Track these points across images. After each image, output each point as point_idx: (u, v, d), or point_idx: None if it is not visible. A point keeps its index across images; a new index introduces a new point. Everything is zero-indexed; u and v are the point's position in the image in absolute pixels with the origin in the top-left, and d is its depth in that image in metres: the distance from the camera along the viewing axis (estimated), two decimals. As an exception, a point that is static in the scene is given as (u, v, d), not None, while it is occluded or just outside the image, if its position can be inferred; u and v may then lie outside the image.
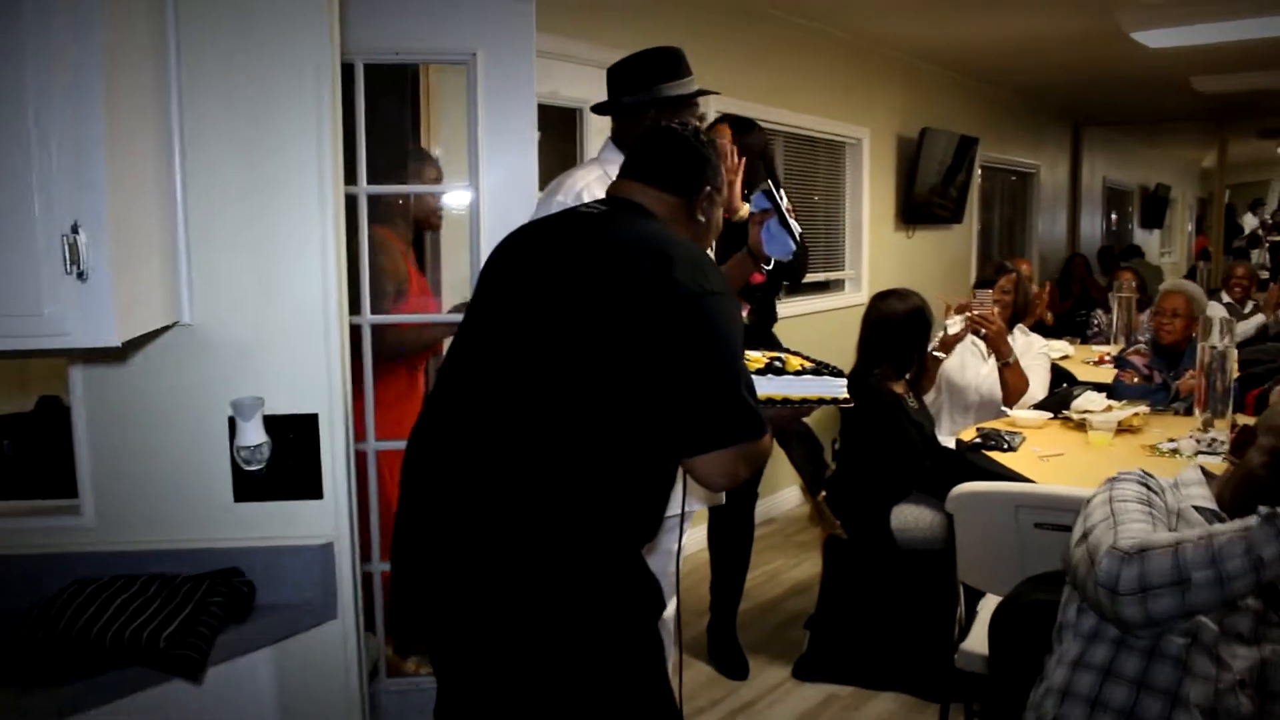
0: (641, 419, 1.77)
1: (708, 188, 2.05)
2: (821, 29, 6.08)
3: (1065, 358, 5.67)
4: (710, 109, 5.07)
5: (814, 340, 5.73)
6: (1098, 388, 4.26)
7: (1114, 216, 13.60)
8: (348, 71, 2.87)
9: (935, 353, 4.05)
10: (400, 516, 1.88)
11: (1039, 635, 2.00)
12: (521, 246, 2.00)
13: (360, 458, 2.88)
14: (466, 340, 1.94)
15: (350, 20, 2.84)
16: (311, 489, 1.94)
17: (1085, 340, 6.65)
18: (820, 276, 6.57)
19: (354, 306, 2.86)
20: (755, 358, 2.02)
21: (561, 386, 1.77)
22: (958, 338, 4.08)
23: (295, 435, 1.92)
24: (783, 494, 5.80)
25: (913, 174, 7.20)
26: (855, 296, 6.53)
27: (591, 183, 2.68)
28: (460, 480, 1.79)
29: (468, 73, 2.93)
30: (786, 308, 5.85)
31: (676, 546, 2.69)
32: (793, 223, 2.71)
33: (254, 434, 1.85)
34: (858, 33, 6.34)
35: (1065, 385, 4.44)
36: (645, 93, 2.71)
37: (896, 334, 3.79)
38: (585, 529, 1.76)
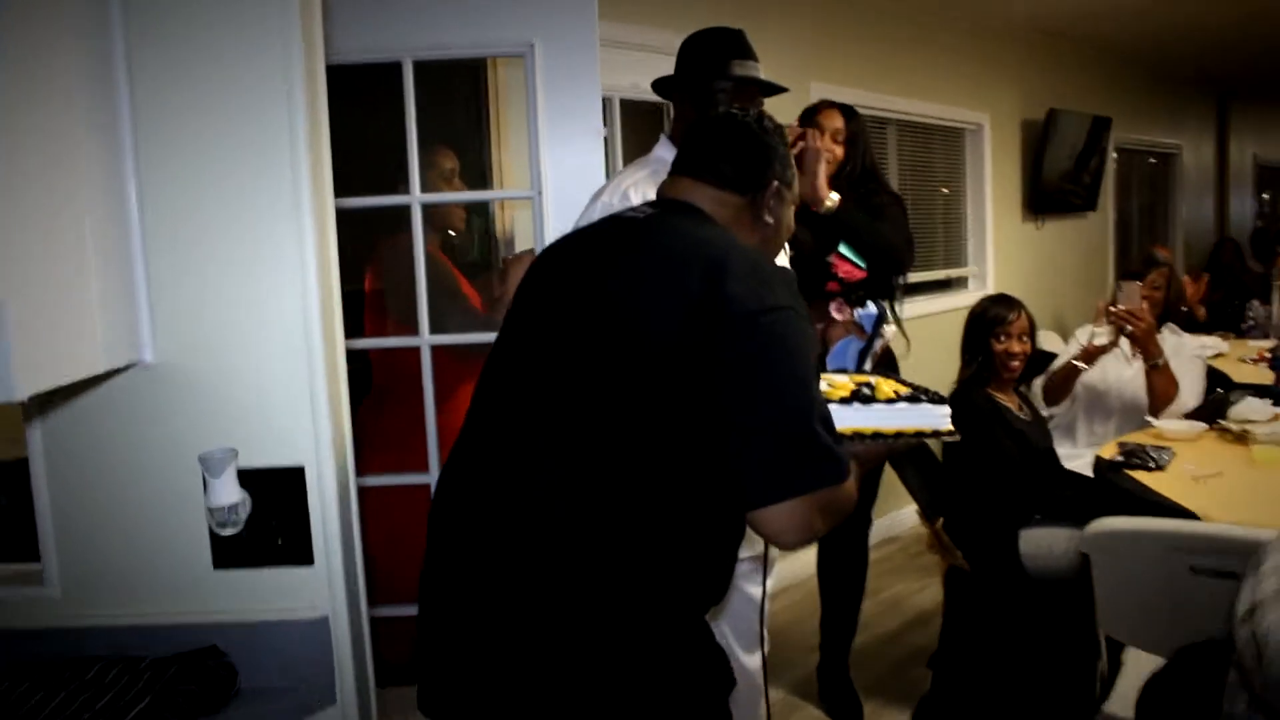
0: (696, 462, 1.48)
1: (775, 183, 1.75)
2: (931, 6, 5.64)
3: (1218, 356, 5.09)
4: (810, 100, 4.72)
5: (933, 344, 5.30)
6: (1258, 391, 3.74)
7: (1266, 197, 12.65)
8: (395, 70, 2.66)
9: (1075, 362, 3.61)
10: (425, 575, 1.62)
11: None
12: (557, 260, 1.73)
13: (423, 491, 2.64)
14: (498, 368, 1.68)
15: (395, 15, 2.64)
16: (300, 554, 1.67)
17: (1240, 335, 6.03)
18: (941, 274, 6.11)
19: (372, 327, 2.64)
20: (840, 384, 1.69)
21: (601, 423, 1.49)
22: (1104, 349, 3.62)
23: (278, 492, 1.64)
24: (906, 511, 5.37)
25: (1040, 160, 6.66)
26: (980, 295, 6.03)
27: (641, 180, 2.37)
28: (487, 533, 1.53)
29: (525, 65, 2.69)
30: (906, 308, 5.44)
31: (760, 591, 2.37)
32: (868, 362, 2.38)
33: (227, 493, 1.57)
34: (972, 8, 5.86)
35: (1220, 390, 3.92)
36: (719, 69, 2.38)
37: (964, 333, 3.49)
38: (633, 592, 1.48)
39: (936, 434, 1.66)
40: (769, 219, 1.75)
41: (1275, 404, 3.44)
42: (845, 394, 1.64)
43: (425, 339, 2.67)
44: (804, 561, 4.00)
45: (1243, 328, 6.24)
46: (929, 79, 5.69)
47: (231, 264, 1.65)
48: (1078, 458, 3.52)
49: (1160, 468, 2.98)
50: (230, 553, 1.66)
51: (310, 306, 1.64)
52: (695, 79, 2.42)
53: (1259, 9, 6.20)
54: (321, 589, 1.69)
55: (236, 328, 1.65)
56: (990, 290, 6.08)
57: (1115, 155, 7.90)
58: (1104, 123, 7.19)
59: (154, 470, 1.67)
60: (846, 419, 1.60)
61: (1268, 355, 4.87)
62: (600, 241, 1.69)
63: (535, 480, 1.51)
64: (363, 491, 3.01)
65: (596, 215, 2.10)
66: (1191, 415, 3.54)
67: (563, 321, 1.59)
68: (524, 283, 1.74)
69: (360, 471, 3.01)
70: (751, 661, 2.52)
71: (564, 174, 2.68)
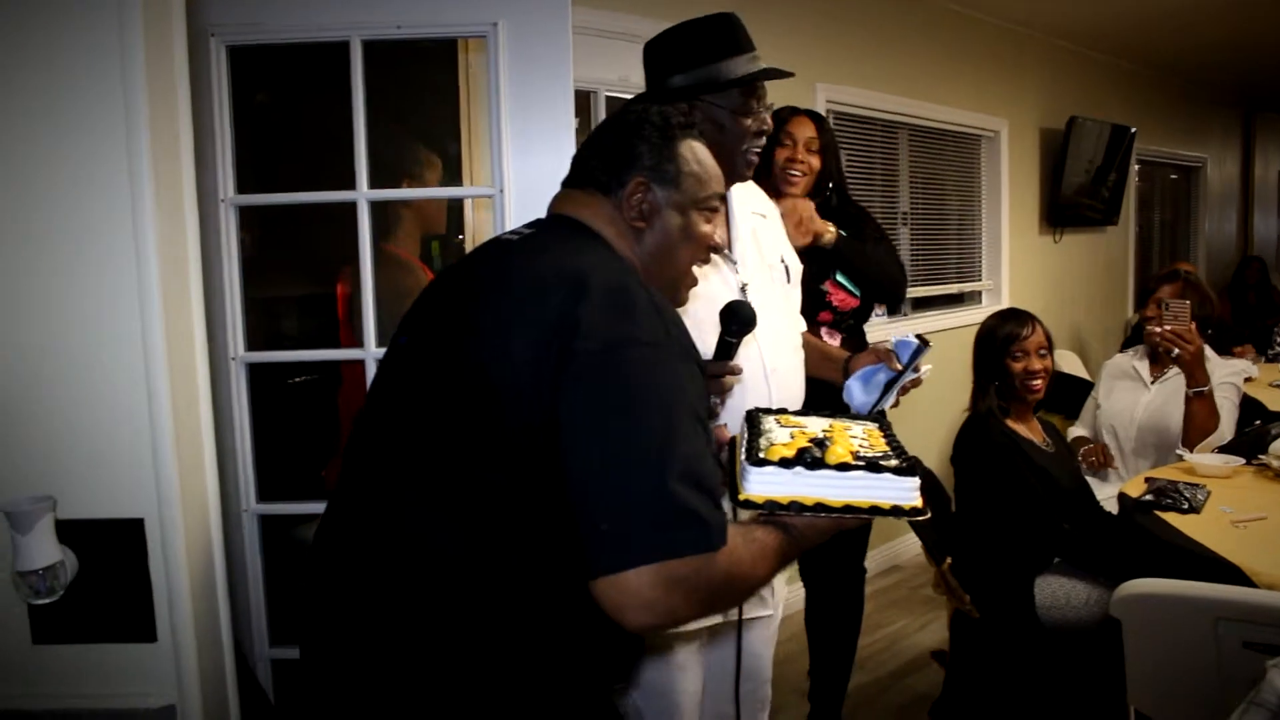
0: (543, 521, 1.30)
1: (639, 178, 1.49)
2: (949, 5, 5.33)
3: (1248, 380, 4.75)
4: (816, 102, 4.42)
5: (944, 362, 4.99)
6: (1298, 421, 3.43)
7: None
8: (341, 50, 2.38)
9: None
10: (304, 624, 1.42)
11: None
12: (435, 288, 1.54)
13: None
14: (373, 400, 1.50)
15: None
16: (138, 627, 1.34)
17: (1270, 359, 5.70)
18: (953, 289, 5.79)
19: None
20: (789, 440, 1.42)
21: (466, 478, 1.30)
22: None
23: (110, 550, 1.32)
24: (910, 538, 5.05)
25: (1060, 170, 6.34)
26: (994, 311, 5.72)
27: None
28: (342, 591, 1.36)
29: (488, 48, 2.41)
30: (916, 324, 5.14)
31: (734, 664, 2.06)
32: (892, 395, 2.10)
33: (41, 551, 1.25)
34: (992, 9, 5.56)
35: (1259, 422, 3.59)
36: (699, 71, 2.05)
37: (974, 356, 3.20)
38: (509, 663, 1.31)
39: (898, 511, 1.36)
40: (640, 224, 1.50)
41: (1318, 438, 3.12)
42: (789, 454, 1.36)
43: (371, 352, 2.38)
44: (796, 597, 3.67)
45: (1271, 352, 5.91)
46: (944, 82, 5.38)
47: (46, 270, 1.35)
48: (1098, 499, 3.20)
49: (1195, 509, 2.66)
50: (51, 625, 1.34)
51: (150, 320, 1.33)
52: (689, 84, 2.08)
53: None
54: (166, 671, 1.35)
55: (53, 346, 1.34)
56: (1006, 306, 5.77)
57: (1137, 167, 7.57)
58: (1127, 133, 6.87)
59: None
60: (784, 485, 1.35)
61: (1302, 381, 4.57)
62: (473, 269, 1.48)
63: (403, 533, 1.32)
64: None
65: None
66: (1226, 449, 3.22)
67: (427, 357, 1.39)
68: (407, 312, 1.53)
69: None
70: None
71: (530, 171, 2.42)
